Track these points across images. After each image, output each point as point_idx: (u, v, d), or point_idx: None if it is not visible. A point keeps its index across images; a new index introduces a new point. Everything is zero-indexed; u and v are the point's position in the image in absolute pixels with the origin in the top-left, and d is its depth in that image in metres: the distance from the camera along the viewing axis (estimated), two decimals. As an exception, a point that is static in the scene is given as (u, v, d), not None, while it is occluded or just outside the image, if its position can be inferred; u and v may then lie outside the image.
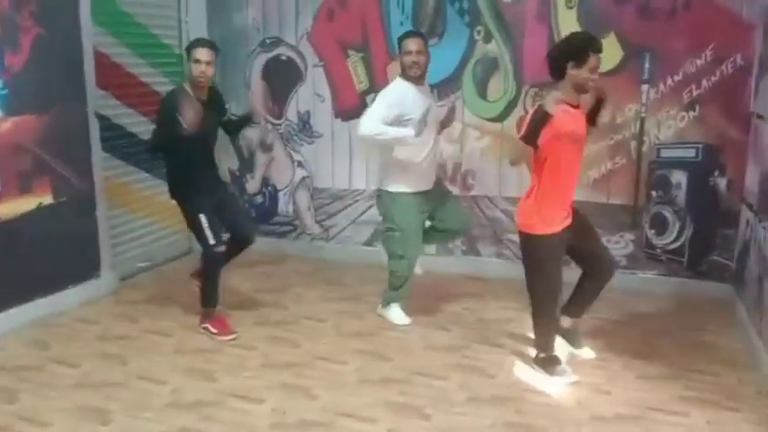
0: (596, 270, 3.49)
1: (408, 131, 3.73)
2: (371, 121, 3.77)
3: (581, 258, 3.51)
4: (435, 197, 4.03)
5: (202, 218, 3.83)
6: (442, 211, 4.07)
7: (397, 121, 3.78)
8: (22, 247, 4.04)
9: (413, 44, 3.81)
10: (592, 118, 3.36)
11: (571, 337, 3.65)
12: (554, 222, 3.28)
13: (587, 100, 3.31)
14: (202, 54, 3.71)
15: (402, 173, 3.91)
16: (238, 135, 4.32)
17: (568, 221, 3.33)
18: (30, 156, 4.04)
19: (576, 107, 3.23)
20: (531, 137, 3.05)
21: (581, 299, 3.57)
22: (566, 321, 3.61)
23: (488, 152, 4.84)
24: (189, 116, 3.60)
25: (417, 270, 4.17)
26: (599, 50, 3.15)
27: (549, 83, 4.46)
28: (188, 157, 3.82)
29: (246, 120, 4.32)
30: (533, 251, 3.35)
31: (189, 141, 3.69)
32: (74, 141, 4.31)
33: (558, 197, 3.27)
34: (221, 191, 4.09)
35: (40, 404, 3.18)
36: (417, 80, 3.86)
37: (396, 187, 3.94)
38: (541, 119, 2.99)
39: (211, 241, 3.84)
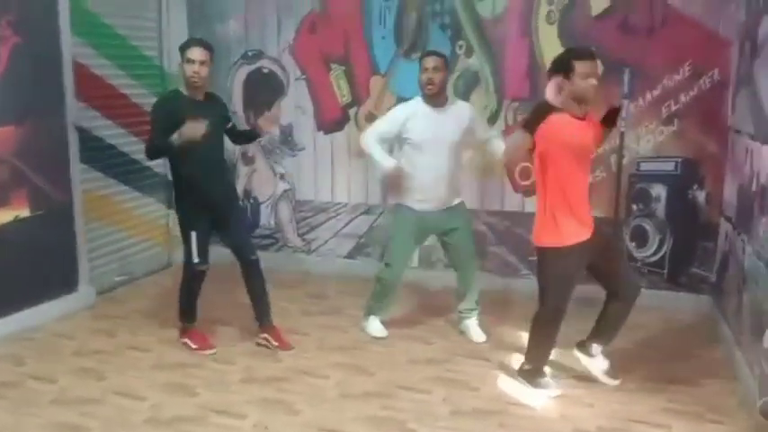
0: (616, 292, 3.34)
1: (388, 164, 3.77)
2: (370, 135, 3.86)
3: (600, 278, 3.36)
4: (449, 223, 3.92)
5: (193, 235, 3.75)
6: (453, 236, 3.97)
7: (398, 138, 3.82)
8: (-2, 261, 3.97)
9: (429, 62, 3.73)
10: (609, 121, 3.37)
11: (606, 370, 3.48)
12: (566, 234, 3.17)
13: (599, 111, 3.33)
14: (195, 53, 3.58)
15: (404, 187, 3.89)
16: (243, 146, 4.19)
17: (585, 235, 3.21)
18: (7, 167, 3.98)
19: (581, 119, 3.14)
20: (529, 124, 3.04)
21: (604, 324, 3.41)
22: (596, 350, 3.46)
23: (470, 165, 4.85)
24: (189, 130, 3.44)
25: (479, 338, 4.03)
26: (582, 57, 3.08)
27: (529, 98, 4.56)
28: (190, 166, 3.64)
29: (251, 136, 4.05)
30: (544, 265, 3.29)
31: (189, 149, 3.50)
32: (52, 153, 4.27)
33: (567, 209, 3.17)
34: (225, 205, 3.86)
35: (17, 421, 3.11)
36: (432, 99, 3.77)
37: (397, 198, 3.98)
38: (542, 109, 3.03)
39: (195, 259, 3.77)
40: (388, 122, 3.86)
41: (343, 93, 5.10)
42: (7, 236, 4.00)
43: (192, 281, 3.86)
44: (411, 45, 4.86)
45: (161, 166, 4.98)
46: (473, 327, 4.08)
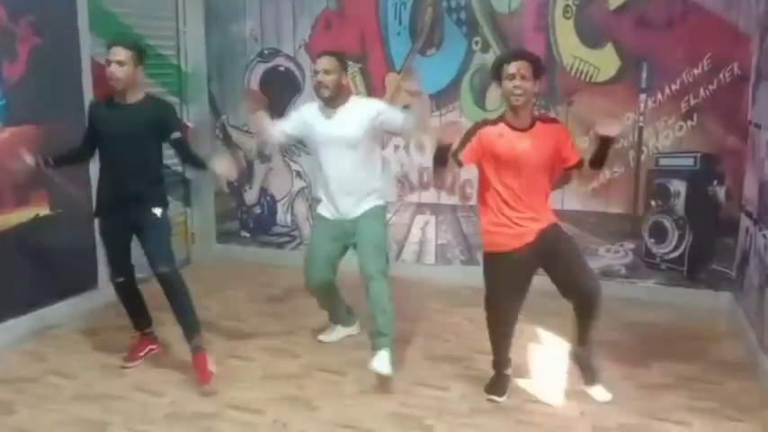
0: (572, 299, 3.11)
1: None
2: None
3: (556, 284, 3.14)
4: (353, 233, 3.63)
5: (104, 246, 3.69)
6: (359, 246, 3.64)
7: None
8: (20, 259, 4.01)
9: (320, 63, 3.47)
10: (595, 160, 3.05)
11: (582, 369, 3.31)
12: (496, 241, 3.14)
13: (593, 139, 3.09)
14: (111, 53, 3.32)
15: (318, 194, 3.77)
16: (192, 169, 3.92)
17: (520, 241, 3.08)
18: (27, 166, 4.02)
19: (522, 130, 3.06)
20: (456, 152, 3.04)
21: (574, 326, 3.22)
22: (574, 348, 3.32)
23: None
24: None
25: (382, 370, 3.43)
26: (509, 60, 3.03)
27: (546, 93, 4.53)
28: (103, 170, 3.52)
29: (198, 164, 3.52)
30: (483, 267, 3.28)
31: (101, 149, 3.48)
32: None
33: (494, 214, 3.13)
34: (138, 212, 3.46)
35: (39, 416, 3.15)
36: (329, 102, 3.50)
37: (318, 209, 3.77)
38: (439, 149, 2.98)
39: (109, 270, 3.69)
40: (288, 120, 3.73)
41: (358, 90, 5.09)
42: (28, 234, 4.05)
43: (116, 292, 3.72)
44: (427, 41, 4.85)
45: (178, 164, 5.00)
46: (377, 359, 3.44)
